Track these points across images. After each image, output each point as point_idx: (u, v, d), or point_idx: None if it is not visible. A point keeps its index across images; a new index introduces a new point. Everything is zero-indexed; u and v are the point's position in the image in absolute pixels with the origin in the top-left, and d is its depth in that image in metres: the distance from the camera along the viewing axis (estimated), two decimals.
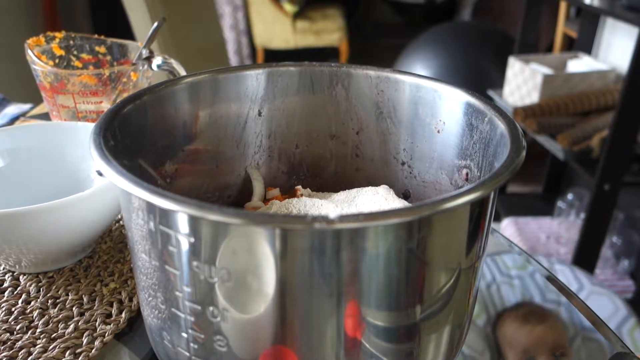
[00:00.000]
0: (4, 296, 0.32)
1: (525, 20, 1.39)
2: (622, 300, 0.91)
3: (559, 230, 1.31)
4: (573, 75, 1.22)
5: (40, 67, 0.43)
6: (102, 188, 0.31)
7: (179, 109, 0.29)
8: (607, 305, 0.90)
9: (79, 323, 0.30)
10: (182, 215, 0.19)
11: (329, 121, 0.32)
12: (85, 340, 0.29)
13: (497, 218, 1.43)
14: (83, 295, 0.33)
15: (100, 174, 0.21)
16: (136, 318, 0.31)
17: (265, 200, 0.32)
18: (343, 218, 0.17)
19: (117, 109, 0.25)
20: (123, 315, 0.31)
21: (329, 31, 2.35)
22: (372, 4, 3.17)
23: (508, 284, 0.35)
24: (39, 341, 0.29)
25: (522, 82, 1.25)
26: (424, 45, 1.74)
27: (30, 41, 0.45)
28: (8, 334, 0.30)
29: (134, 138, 0.26)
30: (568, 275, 0.97)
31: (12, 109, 0.60)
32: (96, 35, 0.49)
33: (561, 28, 1.49)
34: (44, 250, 0.32)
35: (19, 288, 0.33)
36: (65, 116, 0.45)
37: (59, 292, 0.33)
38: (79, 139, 0.39)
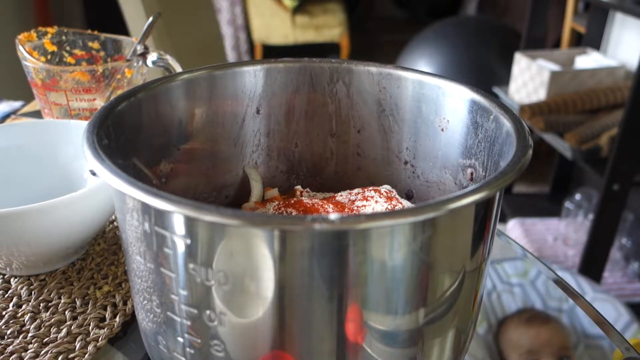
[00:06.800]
0: None
1: (531, 15, 1.38)
2: (625, 307, 0.91)
3: (567, 231, 1.30)
4: (581, 71, 1.20)
5: (32, 63, 0.42)
6: (96, 188, 0.31)
7: (175, 107, 0.28)
8: (609, 311, 0.90)
9: (72, 327, 0.30)
10: (177, 216, 0.19)
11: (330, 119, 0.32)
12: (78, 345, 0.29)
13: (503, 219, 1.41)
14: (76, 299, 0.32)
15: (93, 173, 0.20)
16: (131, 322, 0.31)
17: (264, 200, 0.32)
18: (344, 219, 0.17)
19: (110, 107, 0.24)
20: (117, 319, 0.31)
21: (329, 26, 2.35)
22: None
23: (509, 292, 0.35)
24: (30, 346, 0.29)
25: (529, 78, 1.24)
26: (427, 41, 1.73)
27: (21, 37, 0.45)
28: None
29: (128, 136, 0.25)
30: (570, 282, 0.97)
31: (3, 107, 0.59)
32: (89, 31, 0.48)
33: (569, 23, 1.47)
34: (35, 252, 0.31)
35: (9, 291, 0.33)
36: (57, 114, 0.44)
37: (51, 296, 0.32)
38: (72, 138, 0.39)
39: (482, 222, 0.21)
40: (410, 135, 0.30)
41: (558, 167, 1.49)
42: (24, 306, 0.31)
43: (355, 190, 0.30)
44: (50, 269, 0.34)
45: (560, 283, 0.34)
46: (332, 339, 0.20)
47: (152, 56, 0.44)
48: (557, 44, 1.73)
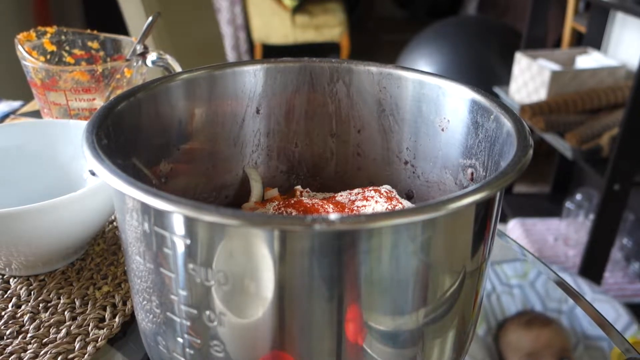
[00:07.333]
0: None
1: (532, 14, 1.38)
2: (624, 307, 0.91)
3: (567, 231, 1.30)
4: (582, 71, 1.20)
5: (31, 63, 0.42)
6: (95, 188, 0.31)
7: (175, 107, 0.28)
8: (609, 312, 0.90)
9: (71, 328, 0.30)
10: (177, 216, 0.19)
11: (330, 119, 0.32)
12: (77, 346, 0.29)
13: (503, 219, 1.41)
14: (75, 299, 0.32)
15: (93, 173, 0.20)
16: (130, 322, 0.31)
17: (264, 200, 0.32)
18: (344, 219, 0.17)
19: (110, 107, 0.24)
20: (116, 319, 0.30)
21: (329, 26, 2.35)
22: None
23: (508, 294, 0.35)
24: (29, 346, 0.29)
25: (529, 78, 1.24)
26: (427, 41, 1.72)
27: (20, 36, 0.45)
28: None
29: (127, 136, 0.25)
30: (569, 283, 0.97)
31: (2, 107, 0.59)
32: (89, 30, 0.48)
33: (570, 23, 1.47)
34: (34, 253, 0.31)
35: (9, 291, 0.32)
36: (56, 114, 0.44)
37: (51, 296, 0.32)
38: (71, 138, 0.38)
39: (483, 222, 0.21)
40: (410, 135, 0.30)
41: (558, 167, 1.49)
42: (23, 306, 0.31)
43: (355, 190, 0.30)
44: (50, 269, 0.34)
45: (560, 284, 0.34)
46: (332, 339, 0.20)
47: (152, 56, 0.43)
48: (557, 44, 1.73)
